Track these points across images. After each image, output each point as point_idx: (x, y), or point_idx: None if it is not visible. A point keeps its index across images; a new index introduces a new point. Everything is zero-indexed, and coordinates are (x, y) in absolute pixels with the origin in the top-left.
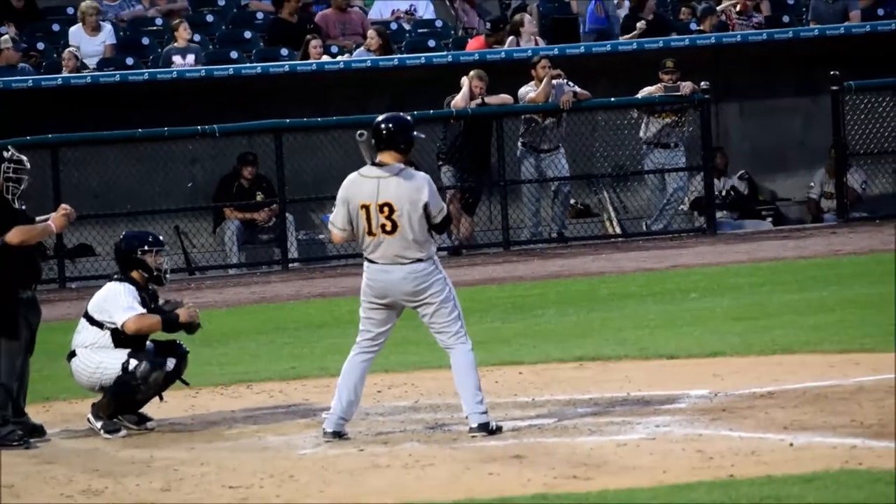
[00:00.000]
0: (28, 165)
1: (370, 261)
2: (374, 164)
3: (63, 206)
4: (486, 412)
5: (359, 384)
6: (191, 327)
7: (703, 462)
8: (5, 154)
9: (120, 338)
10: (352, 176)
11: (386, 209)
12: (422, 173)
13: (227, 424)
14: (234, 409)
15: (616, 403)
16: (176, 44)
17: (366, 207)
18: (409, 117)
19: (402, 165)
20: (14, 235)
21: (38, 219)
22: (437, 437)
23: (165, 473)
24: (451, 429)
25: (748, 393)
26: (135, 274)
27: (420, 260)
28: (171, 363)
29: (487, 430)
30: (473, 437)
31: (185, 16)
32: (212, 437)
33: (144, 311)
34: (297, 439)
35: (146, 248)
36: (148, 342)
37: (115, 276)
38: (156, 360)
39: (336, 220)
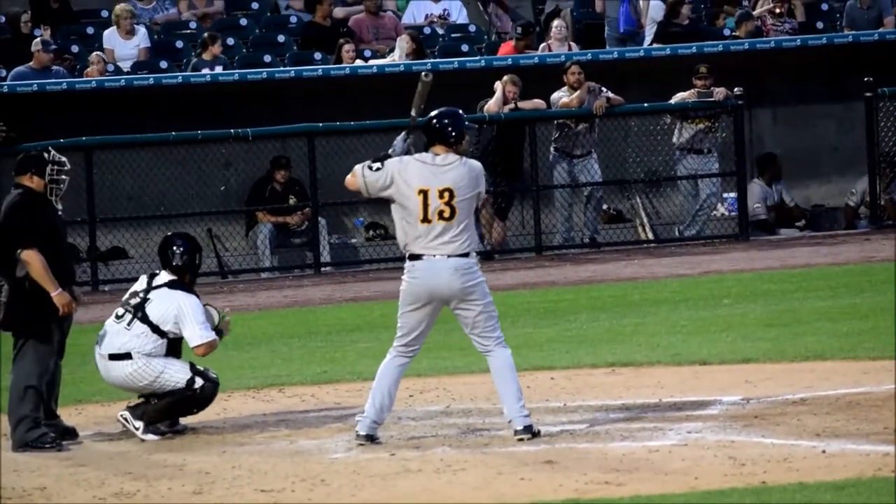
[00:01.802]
0: (69, 166)
1: (416, 256)
2: (426, 151)
3: (72, 303)
4: (528, 415)
5: (392, 388)
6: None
7: (736, 468)
8: (46, 156)
9: (171, 345)
10: (407, 157)
11: (446, 194)
12: (476, 161)
13: (260, 428)
14: (266, 412)
15: (648, 409)
16: (204, 56)
17: (424, 192)
18: (459, 110)
19: (457, 156)
20: (32, 258)
21: None
22: (469, 441)
23: (198, 477)
24: (482, 434)
25: (780, 399)
26: (184, 280)
27: (467, 254)
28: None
29: (532, 432)
30: (520, 440)
31: (218, 20)
32: (244, 441)
33: (214, 333)
34: (329, 443)
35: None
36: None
37: (176, 284)
38: (215, 378)
39: (370, 179)
